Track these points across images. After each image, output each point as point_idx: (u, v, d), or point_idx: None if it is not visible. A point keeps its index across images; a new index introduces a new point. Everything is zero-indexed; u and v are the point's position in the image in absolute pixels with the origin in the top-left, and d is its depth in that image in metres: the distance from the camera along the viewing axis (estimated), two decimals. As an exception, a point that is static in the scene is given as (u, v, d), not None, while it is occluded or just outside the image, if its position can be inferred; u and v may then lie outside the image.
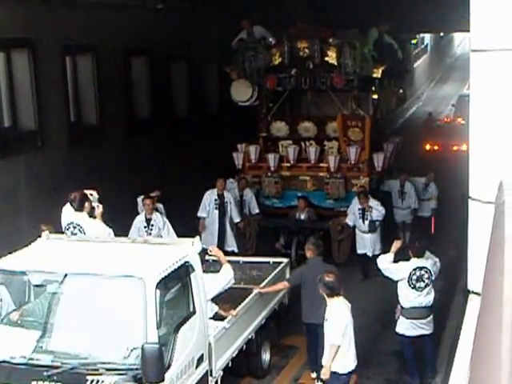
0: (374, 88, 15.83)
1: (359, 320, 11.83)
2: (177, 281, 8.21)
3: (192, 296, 8.37)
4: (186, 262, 8.20)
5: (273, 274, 11.54)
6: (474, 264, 5.70)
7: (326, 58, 16.05)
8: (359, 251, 15.58)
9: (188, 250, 8.34)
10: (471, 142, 5.75)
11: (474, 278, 5.59)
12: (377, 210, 15.10)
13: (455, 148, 28.89)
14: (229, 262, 10.82)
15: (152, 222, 13.73)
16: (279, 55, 15.63)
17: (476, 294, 5.62)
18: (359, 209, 15.35)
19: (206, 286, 8.67)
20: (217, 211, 15.60)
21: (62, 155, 14.36)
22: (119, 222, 11.91)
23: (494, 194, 5.10)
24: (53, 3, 13.83)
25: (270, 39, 15.64)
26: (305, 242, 16.81)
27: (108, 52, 15.55)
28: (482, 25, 5.48)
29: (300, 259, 15.66)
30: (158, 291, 7.63)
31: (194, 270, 8.31)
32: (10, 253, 8.61)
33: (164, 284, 7.82)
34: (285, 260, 12.25)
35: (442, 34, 49.00)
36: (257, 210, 16.40)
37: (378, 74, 15.25)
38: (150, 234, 13.49)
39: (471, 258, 5.94)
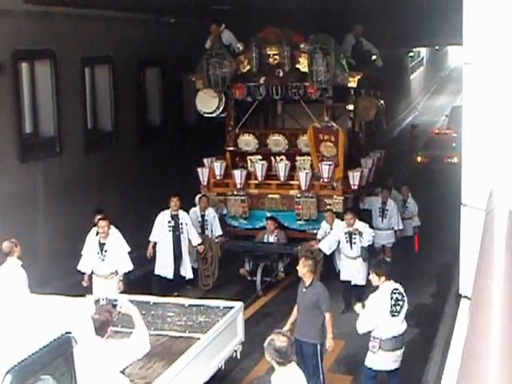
0: (350, 98, 12.77)
1: (354, 322, 11.13)
2: (49, 361, 5.86)
3: (74, 378, 6.08)
4: (64, 334, 6.04)
5: (223, 321, 9.76)
6: (466, 269, 5.67)
7: (298, 66, 14.74)
8: (343, 278, 13.71)
9: (72, 315, 5.58)
10: (464, 151, 5.80)
11: (466, 283, 5.50)
12: (366, 234, 13.32)
13: (446, 160, 27.62)
14: (170, 304, 9.90)
15: (106, 248, 12.07)
16: (247, 62, 12.99)
17: (467, 298, 5.48)
18: (346, 232, 13.41)
19: (108, 359, 6.52)
20: (170, 234, 14.01)
21: (78, 160, 15.12)
22: (134, 225, 13.55)
23: (484, 202, 5.21)
24: (74, 17, 14.78)
25: (238, 45, 12.86)
26: (272, 267, 13.56)
27: (124, 63, 16.53)
28: (474, 39, 5.60)
29: (266, 288, 14.35)
30: (11, 381, 5.32)
31: (77, 342, 5.97)
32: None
33: (23, 370, 5.50)
34: (238, 304, 10.27)
35: (437, 47, 51.74)
36: (219, 232, 14.86)
37: (353, 83, 13.00)
38: (104, 260, 12.10)
39: (463, 263, 5.92)
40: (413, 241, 16.21)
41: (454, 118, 31.32)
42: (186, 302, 10.58)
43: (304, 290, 9.64)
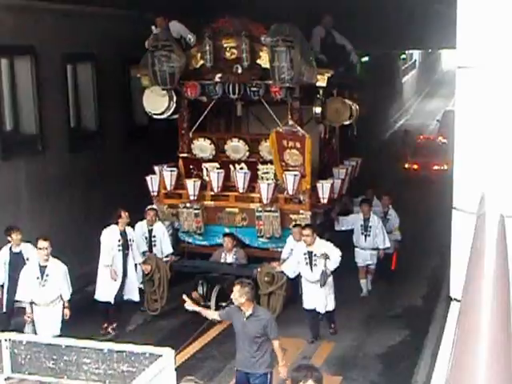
0: (318, 100, 10.58)
1: (344, 324, 11.88)
2: None
3: None
4: None
5: (149, 371, 7.99)
6: (456, 272, 5.56)
7: (258, 61, 12.95)
8: (307, 306, 11.99)
9: None
10: (456, 155, 5.71)
11: (456, 286, 5.44)
12: (333, 257, 11.47)
13: (435, 167, 26.51)
14: (86, 349, 8.31)
15: (47, 271, 10.72)
16: (200, 56, 10.74)
17: (458, 301, 5.43)
18: (305, 253, 11.64)
19: None
20: (121, 254, 12.41)
21: (61, 159, 14.85)
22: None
23: (476, 205, 5.20)
24: (55, 12, 14.39)
25: (190, 36, 10.60)
26: (229, 291, 11.17)
27: (107, 61, 16.17)
28: (468, 42, 5.50)
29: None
30: None
31: None
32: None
33: None
34: (168, 352, 8.28)
35: (429, 50, 50.50)
36: (169, 250, 13.37)
37: (322, 81, 10.82)
38: (44, 285, 10.74)
39: (453, 266, 5.81)
40: (391, 257, 14.95)
41: (446, 122, 30.53)
42: (106, 346, 8.95)
43: (244, 320, 8.70)
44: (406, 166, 27.20)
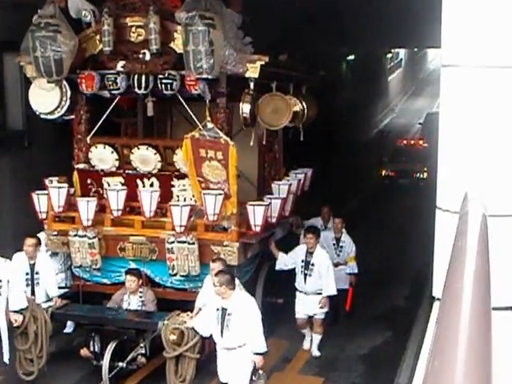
0: (247, 94, 7.29)
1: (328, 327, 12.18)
2: None
3: None
4: None
5: None
6: (440, 271, 5.58)
7: (172, 45, 10.10)
8: (222, 379, 9.02)
9: None
10: (440, 155, 5.78)
11: (440, 286, 5.25)
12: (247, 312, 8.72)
13: (415, 175, 25.34)
14: None
15: None
16: (99, 39, 7.03)
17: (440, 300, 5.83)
18: (218, 308, 8.72)
19: None
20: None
21: (47, 155, 14.08)
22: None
23: (459, 205, 5.33)
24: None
25: (85, 12, 7.19)
26: (130, 347, 9.84)
27: None
28: (452, 40, 5.61)
29: (120, 377, 9.83)
30: None
31: None
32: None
33: None
34: None
35: (415, 49, 51.86)
36: (54, 292, 10.37)
37: (254, 71, 8.45)
38: None
39: (437, 266, 5.83)
40: (346, 294, 12.72)
41: (428, 125, 29.95)
42: None
43: None
44: (383, 173, 24.33)
